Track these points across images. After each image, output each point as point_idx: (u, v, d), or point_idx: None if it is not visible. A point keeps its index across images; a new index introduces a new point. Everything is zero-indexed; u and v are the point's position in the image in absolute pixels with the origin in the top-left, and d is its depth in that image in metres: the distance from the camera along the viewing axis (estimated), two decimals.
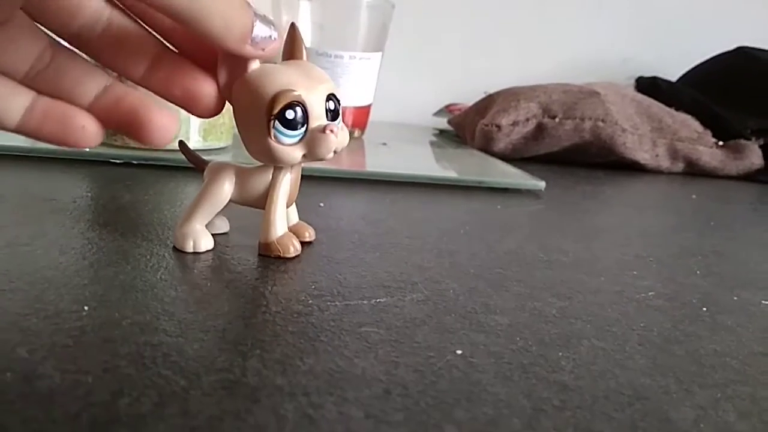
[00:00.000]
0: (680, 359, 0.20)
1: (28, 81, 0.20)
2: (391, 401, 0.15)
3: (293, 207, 0.28)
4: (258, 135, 0.22)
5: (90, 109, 0.21)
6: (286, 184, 0.25)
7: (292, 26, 0.25)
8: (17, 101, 0.20)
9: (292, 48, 0.24)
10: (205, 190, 0.26)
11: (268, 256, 0.26)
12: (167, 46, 0.22)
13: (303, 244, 0.27)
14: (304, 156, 0.23)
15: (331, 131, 0.23)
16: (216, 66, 0.22)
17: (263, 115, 0.22)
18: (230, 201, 0.26)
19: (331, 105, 0.23)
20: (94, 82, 0.21)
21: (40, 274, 0.21)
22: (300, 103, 0.22)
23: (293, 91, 0.22)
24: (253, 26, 0.20)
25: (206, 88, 0.22)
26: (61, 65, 0.20)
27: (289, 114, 0.22)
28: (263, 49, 0.21)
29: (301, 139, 0.23)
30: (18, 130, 0.20)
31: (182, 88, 0.22)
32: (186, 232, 0.25)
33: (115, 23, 0.21)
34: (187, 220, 0.25)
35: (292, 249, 0.26)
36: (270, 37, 0.21)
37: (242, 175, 0.26)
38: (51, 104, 0.20)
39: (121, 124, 0.21)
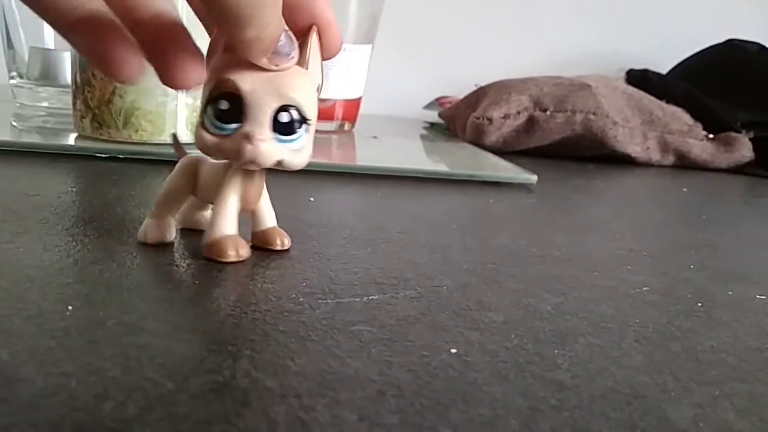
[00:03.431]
0: (677, 356, 0.20)
1: None
2: (385, 403, 0.15)
3: (266, 210, 0.26)
4: (199, 117, 0.22)
5: (139, 24, 0.21)
6: (237, 181, 0.24)
7: (311, 30, 0.22)
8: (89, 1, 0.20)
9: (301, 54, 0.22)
10: (165, 183, 0.25)
11: (210, 259, 0.24)
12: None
13: (274, 251, 0.25)
14: (225, 154, 0.22)
15: (247, 138, 0.21)
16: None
17: (206, 95, 0.22)
18: (195, 196, 0.26)
19: (284, 117, 0.21)
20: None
21: (23, 273, 0.21)
22: (238, 97, 0.21)
23: (235, 82, 0.21)
24: (278, 43, 0.20)
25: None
26: None
27: (223, 104, 0.21)
28: (277, 65, 0.21)
29: (228, 136, 0.21)
30: (66, 29, 0.21)
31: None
32: (143, 224, 0.25)
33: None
34: (148, 213, 0.26)
35: (231, 254, 0.23)
36: (288, 56, 0.21)
37: (205, 169, 0.25)
38: (108, 25, 0.21)
39: (152, 53, 0.21)
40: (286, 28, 0.21)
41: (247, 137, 0.21)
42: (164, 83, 0.22)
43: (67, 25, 0.21)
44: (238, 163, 0.23)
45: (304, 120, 0.22)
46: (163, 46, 0.22)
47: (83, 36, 0.21)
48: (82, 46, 0.22)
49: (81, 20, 0.21)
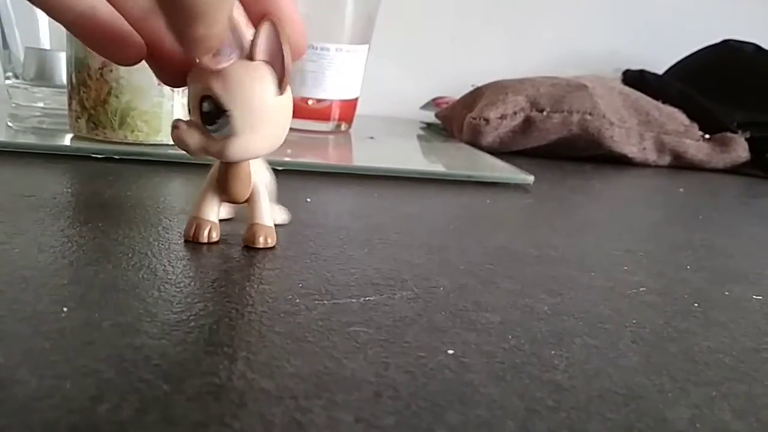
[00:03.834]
0: (674, 357, 0.20)
1: None
2: (382, 404, 0.15)
3: (255, 206, 0.26)
4: None
5: (137, 21, 0.22)
6: (215, 171, 0.25)
7: (262, 21, 0.22)
8: None
9: (250, 47, 0.22)
10: None
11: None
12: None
13: (270, 251, 0.26)
14: None
15: (173, 126, 0.23)
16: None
17: None
18: None
19: (204, 107, 0.22)
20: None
21: (18, 274, 0.20)
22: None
23: (189, 74, 0.23)
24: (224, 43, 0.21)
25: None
26: None
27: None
28: (218, 63, 0.21)
29: None
30: (71, 23, 0.22)
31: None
32: None
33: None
34: None
35: (189, 233, 0.26)
36: (229, 55, 0.22)
37: None
38: (107, 17, 0.22)
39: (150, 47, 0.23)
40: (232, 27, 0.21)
41: (172, 124, 0.23)
42: (158, 78, 0.23)
43: (67, 20, 0.21)
44: None
45: (222, 111, 0.22)
46: (152, 46, 0.22)
47: (84, 30, 0.22)
48: (84, 39, 0.22)
49: (80, 15, 0.21)
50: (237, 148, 0.23)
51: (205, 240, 0.26)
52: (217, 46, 0.21)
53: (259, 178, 0.26)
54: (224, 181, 0.25)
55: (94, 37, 0.22)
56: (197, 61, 0.22)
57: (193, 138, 0.23)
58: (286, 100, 0.23)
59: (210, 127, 0.23)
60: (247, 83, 0.22)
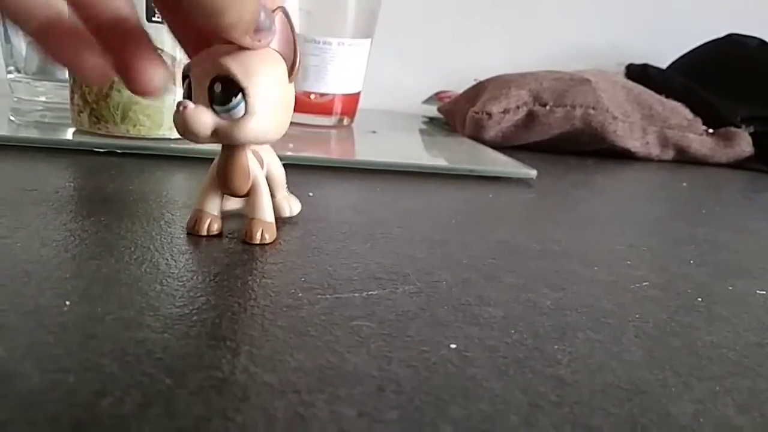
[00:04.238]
0: (677, 351, 0.19)
1: None
2: (385, 398, 0.15)
3: (255, 200, 0.26)
4: None
5: (100, 29, 0.21)
6: (216, 162, 0.26)
7: (277, 12, 0.23)
8: (53, 4, 0.20)
9: None
10: None
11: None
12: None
13: (272, 246, 0.26)
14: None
15: (180, 107, 0.22)
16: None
17: None
18: None
19: (217, 87, 0.22)
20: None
21: (20, 268, 0.20)
22: (187, 76, 0.23)
23: (189, 63, 0.23)
24: (259, 20, 0.21)
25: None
26: None
27: (185, 84, 0.24)
28: (260, 41, 0.22)
29: None
30: (38, 30, 0.20)
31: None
32: None
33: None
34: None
35: (189, 225, 0.26)
36: (269, 29, 0.22)
37: None
38: (68, 30, 0.21)
39: (116, 64, 0.21)
40: (263, 4, 0.21)
41: (177, 106, 0.22)
42: (130, 90, 0.21)
43: (34, 27, 0.21)
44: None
45: (240, 89, 0.22)
46: (121, 53, 0.21)
47: (45, 43, 0.21)
48: (51, 48, 0.21)
49: (42, 26, 0.20)
50: (248, 128, 0.23)
51: (205, 232, 0.26)
52: (252, 28, 0.21)
53: (273, 169, 0.27)
54: (223, 173, 0.25)
55: (62, 45, 0.21)
56: (241, 44, 0.22)
57: (204, 117, 0.22)
58: (292, 90, 0.24)
59: (223, 107, 0.22)
60: (263, 64, 0.23)
